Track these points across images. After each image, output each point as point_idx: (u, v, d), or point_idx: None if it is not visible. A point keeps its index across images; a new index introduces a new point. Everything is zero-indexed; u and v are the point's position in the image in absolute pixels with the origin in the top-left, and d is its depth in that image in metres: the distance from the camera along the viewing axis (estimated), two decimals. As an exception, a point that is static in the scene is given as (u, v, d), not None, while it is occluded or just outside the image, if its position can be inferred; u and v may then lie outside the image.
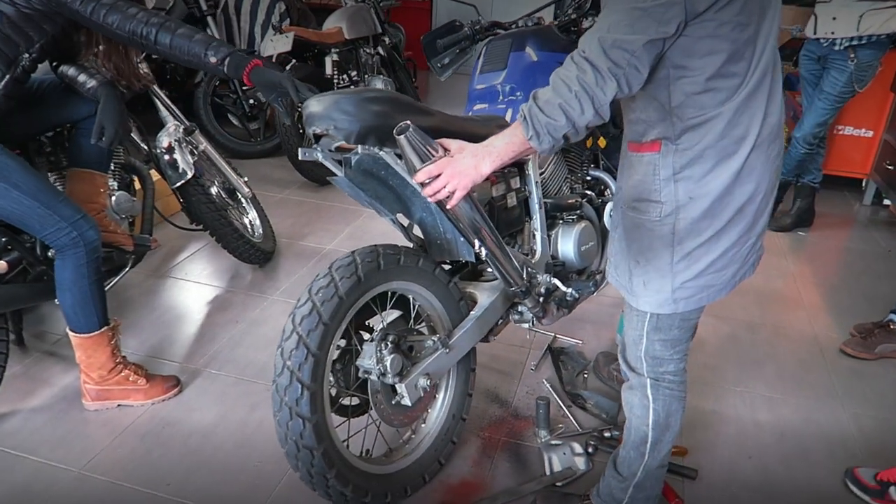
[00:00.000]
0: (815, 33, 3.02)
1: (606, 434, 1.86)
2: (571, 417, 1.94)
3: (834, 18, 2.94)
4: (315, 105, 1.33)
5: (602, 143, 2.02)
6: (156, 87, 2.28)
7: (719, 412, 2.02)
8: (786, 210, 3.48)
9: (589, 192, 2.04)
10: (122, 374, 1.88)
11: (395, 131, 1.19)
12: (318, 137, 1.39)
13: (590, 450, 1.79)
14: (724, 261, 1.27)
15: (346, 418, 1.55)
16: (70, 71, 1.76)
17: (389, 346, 1.44)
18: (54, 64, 1.79)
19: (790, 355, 2.34)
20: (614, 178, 2.04)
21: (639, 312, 1.37)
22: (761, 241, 1.35)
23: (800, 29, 3.27)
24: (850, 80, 3.01)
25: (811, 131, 3.18)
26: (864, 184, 3.91)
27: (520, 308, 1.79)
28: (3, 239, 1.72)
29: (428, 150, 1.20)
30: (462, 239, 1.50)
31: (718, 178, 1.20)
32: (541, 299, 1.73)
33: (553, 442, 1.80)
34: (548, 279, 1.78)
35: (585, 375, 2.14)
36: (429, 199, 1.25)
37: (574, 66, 1.12)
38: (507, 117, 1.78)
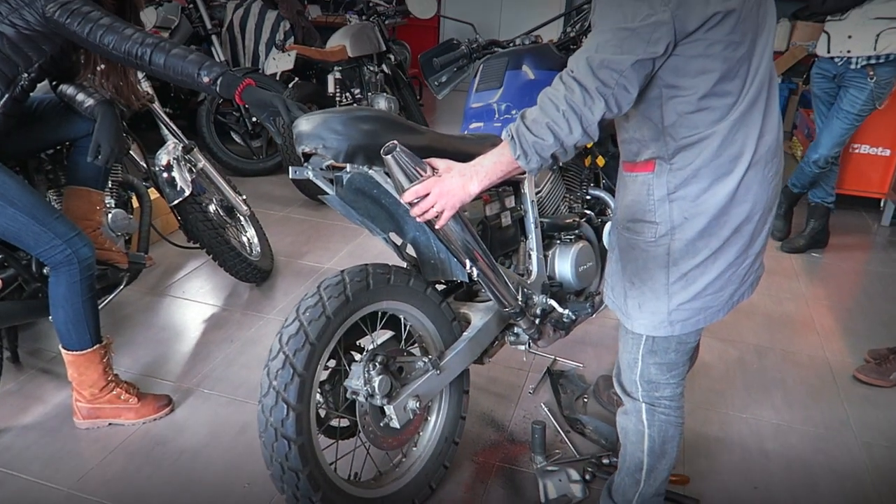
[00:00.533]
0: (828, 52, 3.03)
1: (605, 461, 1.85)
2: (569, 443, 1.94)
3: (849, 37, 2.95)
4: (304, 124, 1.37)
5: (601, 161, 2.04)
6: (156, 106, 2.35)
7: (724, 439, 2.00)
8: (799, 231, 3.47)
9: (588, 212, 2.06)
10: (114, 392, 1.91)
11: (382, 151, 1.22)
12: (307, 156, 1.43)
13: (587, 476, 1.79)
14: (721, 282, 1.28)
15: (334, 440, 1.57)
16: (69, 90, 1.83)
17: (378, 366, 1.45)
18: (54, 83, 1.86)
19: (800, 381, 2.32)
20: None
21: (634, 335, 1.38)
22: (760, 261, 1.35)
23: (814, 45, 3.28)
24: (870, 98, 3.01)
25: (829, 152, 3.17)
26: (882, 204, 3.89)
27: (515, 329, 1.80)
28: (0, 256, 1.78)
29: (415, 170, 1.23)
30: (455, 259, 1.52)
31: (714, 197, 1.21)
32: (536, 321, 1.74)
33: (549, 468, 1.80)
34: (544, 300, 1.79)
35: (585, 400, 2.13)
36: (417, 219, 1.28)
37: (562, 85, 1.14)
38: (503, 136, 1.81)
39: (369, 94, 3.98)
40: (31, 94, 1.72)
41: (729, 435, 2.02)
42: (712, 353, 2.44)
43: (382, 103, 3.86)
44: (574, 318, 1.82)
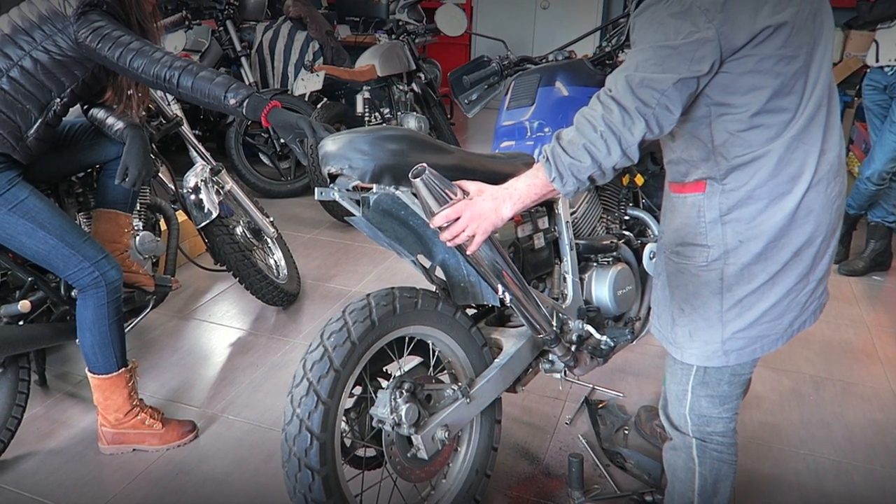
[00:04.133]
0: (877, 61, 2.99)
1: (648, 497, 1.79)
2: (609, 478, 1.89)
3: None
4: (330, 144, 1.39)
5: (639, 180, 2.01)
6: (184, 129, 2.43)
7: (779, 477, 1.92)
8: (858, 252, 3.35)
9: (627, 233, 2.03)
10: (138, 417, 1.95)
11: (410, 174, 1.23)
12: (333, 177, 1.45)
13: (628, 515, 1.74)
14: (779, 308, 1.24)
15: (360, 470, 1.56)
16: (99, 114, 1.91)
17: (405, 394, 1.45)
18: (85, 107, 1.95)
19: (863, 415, 2.22)
20: (655, 217, 2.03)
21: (683, 365, 1.34)
22: (823, 287, 1.31)
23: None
24: None
25: (883, 168, 3.08)
26: (950, 223, 3.72)
27: (550, 357, 1.78)
28: (30, 279, 1.85)
29: (445, 193, 1.23)
30: (486, 282, 1.52)
31: (772, 219, 1.18)
32: (572, 347, 1.72)
33: (587, 505, 1.76)
34: (580, 326, 1.76)
35: (626, 432, 2.08)
36: (447, 244, 1.28)
37: (600, 105, 1.14)
38: (535, 154, 1.81)
39: (399, 113, 4.04)
40: (63, 118, 1.80)
41: (784, 473, 1.94)
42: (764, 383, 2.36)
43: (412, 123, 3.92)
44: (613, 345, 1.79)
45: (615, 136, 1.11)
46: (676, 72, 1.08)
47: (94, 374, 1.89)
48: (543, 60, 2.09)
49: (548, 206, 1.80)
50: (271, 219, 2.85)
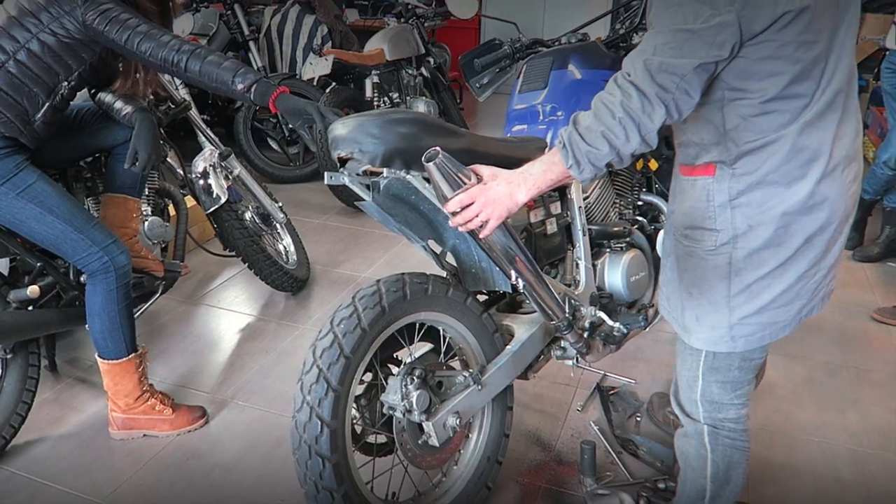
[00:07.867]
0: None
1: (661, 485, 1.77)
2: (621, 465, 1.87)
3: None
4: (340, 128, 1.36)
5: (653, 165, 1.98)
6: (193, 113, 2.40)
7: (792, 465, 1.90)
8: (873, 238, 3.30)
9: (640, 219, 2.00)
10: (149, 402, 1.95)
11: (423, 158, 1.20)
12: (343, 161, 1.42)
13: (641, 502, 1.72)
14: (789, 295, 1.21)
15: (370, 457, 1.55)
16: (107, 98, 1.88)
17: (416, 380, 1.43)
18: (92, 91, 1.92)
19: (878, 403, 2.18)
20: (669, 203, 2.00)
21: (692, 350, 1.32)
22: (833, 274, 1.28)
23: (884, 39, 3.17)
24: None
25: None
26: (967, 208, 3.66)
27: (562, 343, 1.76)
28: (39, 264, 1.84)
29: (459, 178, 1.20)
30: (498, 268, 1.49)
31: (783, 204, 1.15)
32: (585, 334, 1.70)
33: (600, 491, 1.74)
34: (593, 312, 1.74)
35: (638, 419, 2.06)
36: (460, 229, 1.25)
37: (618, 89, 1.11)
38: (548, 138, 1.78)
39: (408, 97, 4.00)
40: (71, 102, 1.78)
41: (798, 461, 1.92)
42: (777, 370, 2.33)
43: (422, 107, 3.88)
44: (625, 331, 1.76)
45: (634, 123, 1.09)
46: (696, 56, 1.05)
47: (103, 359, 1.88)
48: (556, 43, 2.04)
49: (560, 190, 1.76)
50: (280, 204, 2.83)
